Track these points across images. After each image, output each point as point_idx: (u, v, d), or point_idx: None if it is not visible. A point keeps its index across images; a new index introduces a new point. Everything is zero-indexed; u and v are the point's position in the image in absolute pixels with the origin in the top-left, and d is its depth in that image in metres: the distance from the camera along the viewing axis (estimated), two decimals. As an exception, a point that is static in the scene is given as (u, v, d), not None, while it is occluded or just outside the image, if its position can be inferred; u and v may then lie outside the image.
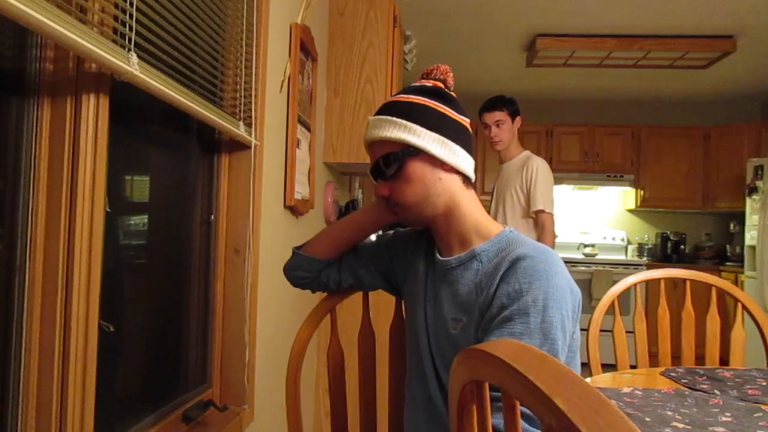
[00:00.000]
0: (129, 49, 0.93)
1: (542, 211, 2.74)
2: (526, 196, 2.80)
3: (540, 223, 2.76)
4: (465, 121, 1.04)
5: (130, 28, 0.93)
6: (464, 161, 1.01)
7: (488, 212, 2.61)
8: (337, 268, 1.17)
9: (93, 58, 0.83)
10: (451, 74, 1.08)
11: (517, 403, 0.46)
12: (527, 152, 2.93)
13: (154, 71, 1.02)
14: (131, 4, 0.93)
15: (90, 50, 0.81)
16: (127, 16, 0.93)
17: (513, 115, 2.86)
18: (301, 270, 1.16)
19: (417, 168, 0.99)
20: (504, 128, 2.85)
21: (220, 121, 1.34)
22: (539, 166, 2.81)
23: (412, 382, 1.07)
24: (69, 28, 0.76)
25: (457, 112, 1.03)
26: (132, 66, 0.92)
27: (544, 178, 2.79)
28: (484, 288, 0.93)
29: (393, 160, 0.99)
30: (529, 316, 0.85)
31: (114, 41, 0.90)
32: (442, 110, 1.01)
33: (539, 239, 2.74)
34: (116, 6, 0.92)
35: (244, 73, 1.53)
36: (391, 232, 1.20)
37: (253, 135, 1.56)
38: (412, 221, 1.06)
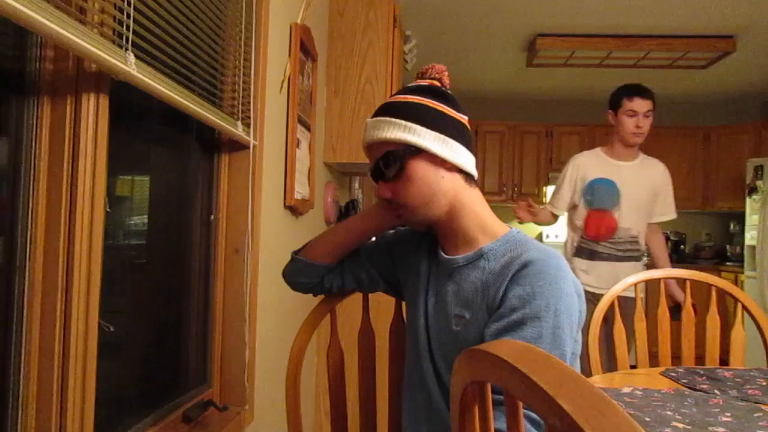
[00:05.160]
0: (126, 49, 0.92)
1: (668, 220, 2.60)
2: (654, 200, 2.64)
3: (658, 231, 2.64)
4: (464, 118, 1.03)
5: (128, 28, 0.93)
6: (465, 159, 1.00)
7: (609, 212, 2.49)
8: (339, 272, 1.16)
9: (89, 56, 0.83)
10: (447, 73, 1.06)
11: (520, 404, 0.46)
12: (642, 153, 2.72)
13: (152, 71, 1.01)
14: (129, 4, 0.93)
15: (85, 49, 0.81)
16: (125, 16, 0.92)
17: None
18: (303, 276, 1.15)
19: (418, 168, 0.97)
20: (649, 121, 2.53)
21: (218, 121, 1.34)
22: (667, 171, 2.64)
23: (411, 380, 1.07)
24: (64, 26, 0.76)
25: (455, 110, 1.01)
26: (129, 65, 0.92)
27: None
28: (491, 286, 0.93)
29: (393, 160, 0.97)
30: (541, 320, 0.85)
31: (112, 41, 0.90)
32: (441, 108, 1.00)
33: (661, 250, 2.63)
34: (114, 6, 0.91)
35: (242, 73, 1.52)
36: (392, 231, 1.20)
37: (251, 135, 1.55)
38: (416, 223, 1.04)
